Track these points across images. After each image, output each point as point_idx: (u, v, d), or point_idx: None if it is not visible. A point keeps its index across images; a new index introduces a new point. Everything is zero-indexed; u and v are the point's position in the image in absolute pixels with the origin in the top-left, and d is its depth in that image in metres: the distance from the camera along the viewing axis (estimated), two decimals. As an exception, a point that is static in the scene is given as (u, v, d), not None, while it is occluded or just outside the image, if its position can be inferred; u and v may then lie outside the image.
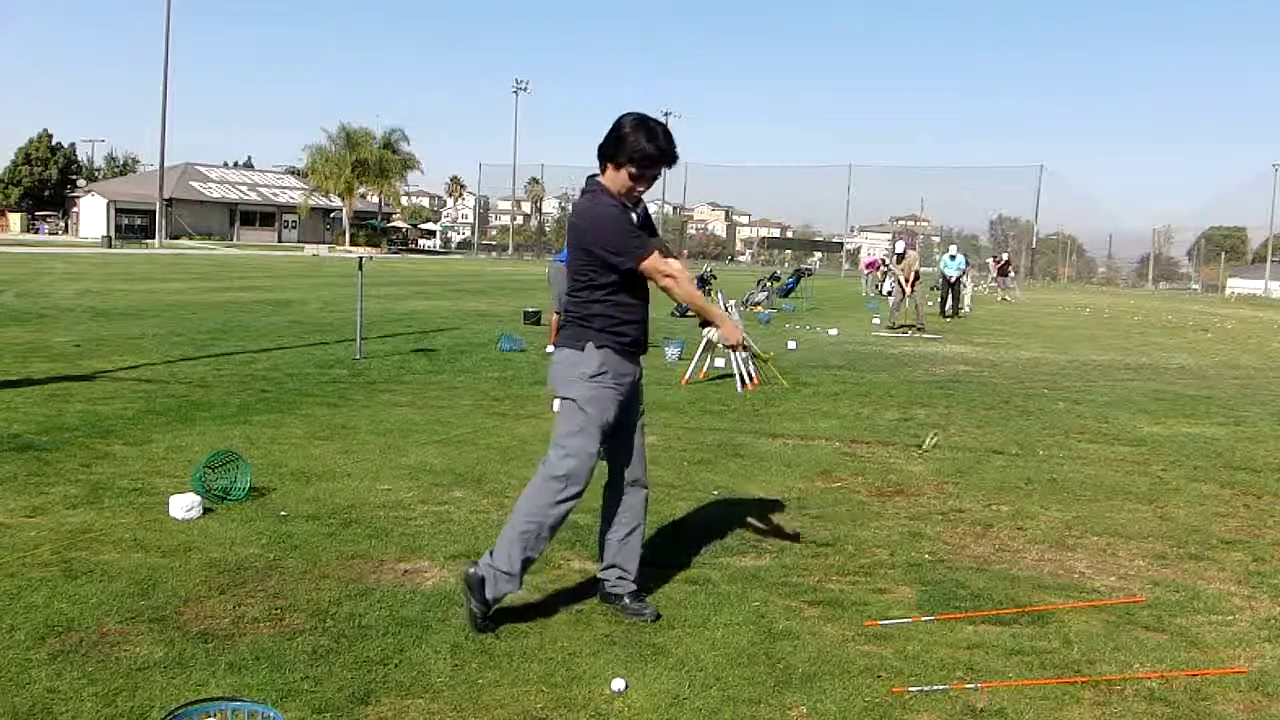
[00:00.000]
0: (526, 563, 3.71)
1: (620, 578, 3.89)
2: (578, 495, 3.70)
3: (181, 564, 4.21)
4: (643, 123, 3.63)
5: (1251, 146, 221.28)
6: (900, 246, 20.68)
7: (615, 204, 3.68)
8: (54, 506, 4.95)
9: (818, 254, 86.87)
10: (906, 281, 19.22)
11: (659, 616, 3.80)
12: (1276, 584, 4.58)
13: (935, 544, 4.98)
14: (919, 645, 3.68)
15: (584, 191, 3.77)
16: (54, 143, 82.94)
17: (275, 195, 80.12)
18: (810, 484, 6.12)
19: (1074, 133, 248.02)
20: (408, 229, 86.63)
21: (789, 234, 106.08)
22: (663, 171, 3.72)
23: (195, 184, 75.35)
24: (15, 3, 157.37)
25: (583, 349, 3.69)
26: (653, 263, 3.65)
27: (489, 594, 3.63)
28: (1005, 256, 43.38)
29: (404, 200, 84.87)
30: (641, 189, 3.70)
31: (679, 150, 3.69)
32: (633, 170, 3.63)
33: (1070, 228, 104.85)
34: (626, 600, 3.85)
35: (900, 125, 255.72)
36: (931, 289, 27.61)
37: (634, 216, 3.72)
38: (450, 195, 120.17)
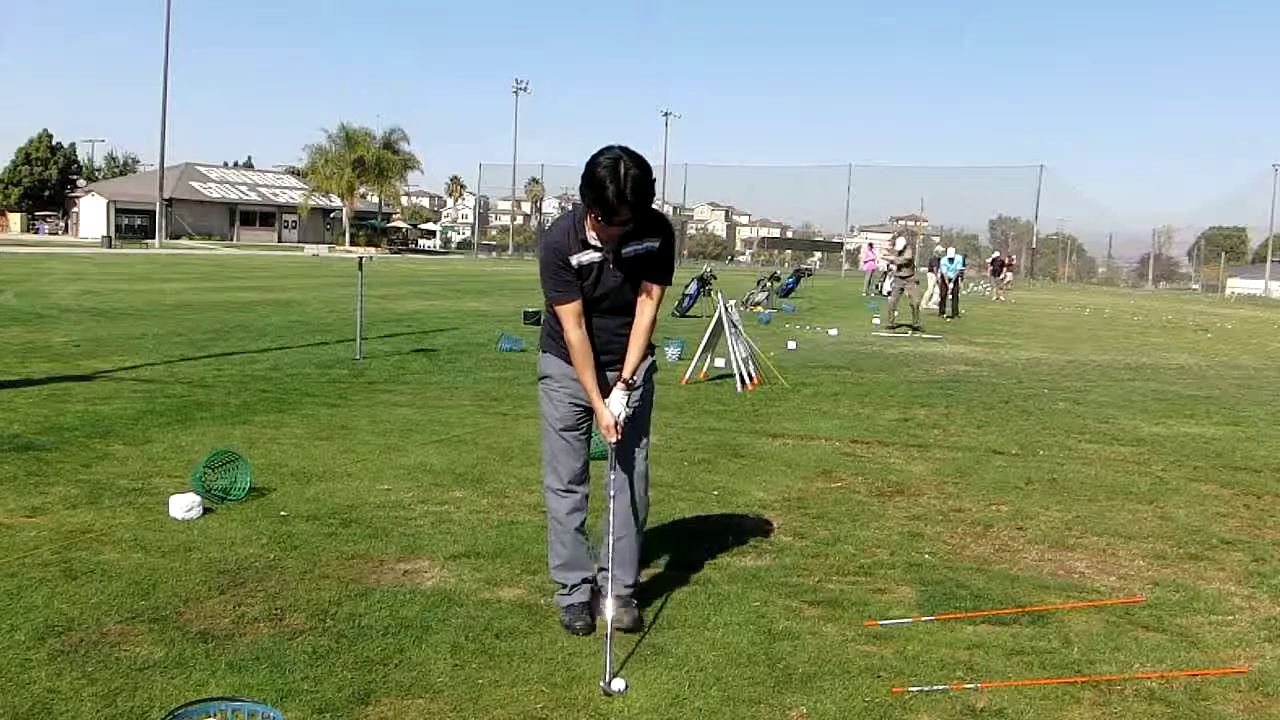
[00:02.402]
0: (562, 571, 3.83)
1: (607, 579, 3.87)
2: (560, 491, 3.80)
3: (181, 564, 4.21)
4: (603, 167, 3.36)
5: (1251, 147, 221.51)
6: (900, 244, 20.79)
7: (563, 239, 3.58)
8: (54, 506, 4.95)
9: (818, 254, 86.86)
10: (893, 265, 19.46)
11: (640, 623, 3.74)
12: (1276, 584, 4.58)
13: (935, 544, 4.98)
14: (919, 645, 3.68)
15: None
16: (54, 143, 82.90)
17: (275, 195, 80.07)
18: (810, 484, 6.12)
19: (1074, 133, 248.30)
20: (408, 229, 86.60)
21: (789, 234, 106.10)
22: (629, 214, 3.42)
23: (195, 184, 75.31)
24: (16, 3, 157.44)
25: (541, 353, 3.86)
26: (564, 312, 3.59)
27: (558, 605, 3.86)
28: (998, 255, 43.37)
29: (404, 200, 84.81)
30: (614, 230, 3.47)
31: (648, 192, 3.42)
32: (595, 214, 3.45)
33: (1070, 228, 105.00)
34: (610, 602, 3.78)
35: (900, 125, 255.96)
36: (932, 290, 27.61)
37: (573, 260, 3.53)
38: (450, 195, 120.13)
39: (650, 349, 3.85)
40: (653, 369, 3.90)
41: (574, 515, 3.81)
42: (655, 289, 3.68)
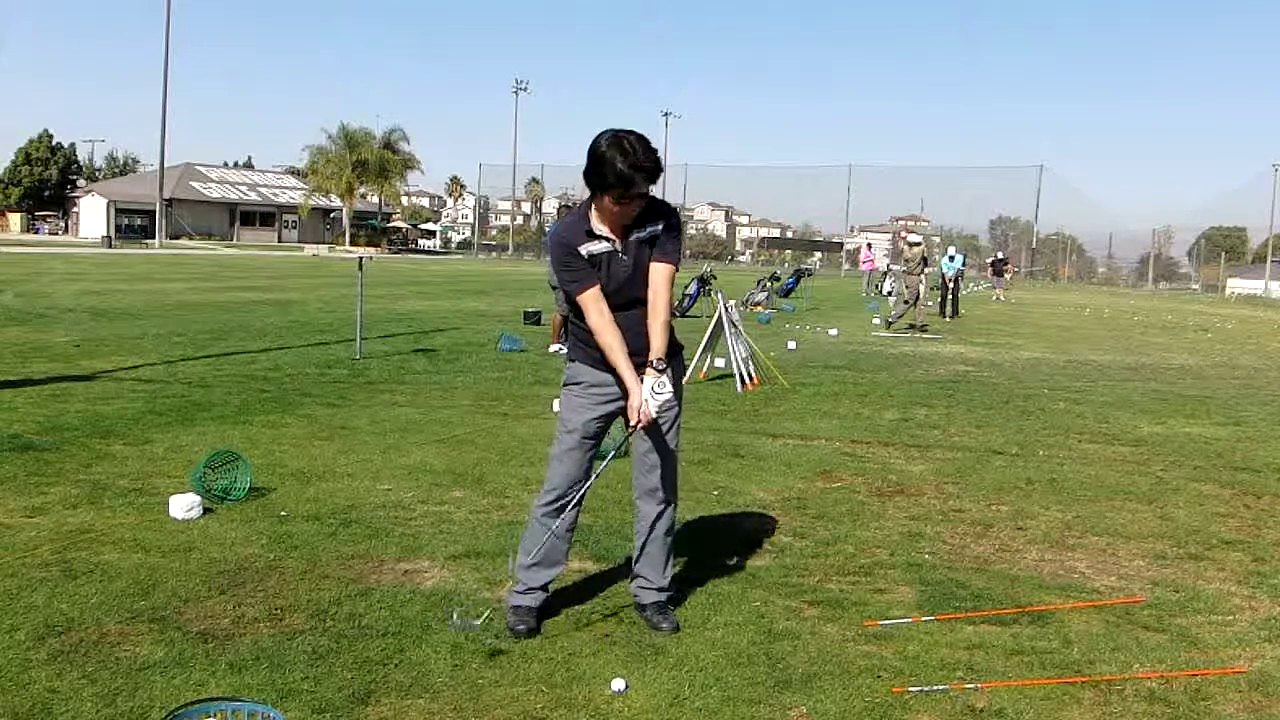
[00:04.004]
0: (532, 570, 3.75)
1: (642, 587, 3.87)
2: (557, 499, 3.73)
3: (181, 564, 4.21)
4: (616, 141, 3.44)
5: (1251, 147, 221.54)
6: (915, 238, 20.79)
7: (570, 231, 3.58)
8: (54, 506, 4.95)
9: (818, 254, 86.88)
10: (915, 263, 19.25)
11: (678, 628, 3.74)
12: (1276, 584, 4.58)
13: (935, 544, 4.98)
14: (919, 645, 3.68)
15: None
16: (54, 143, 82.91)
17: (275, 195, 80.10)
18: (810, 484, 6.12)
19: (1074, 133, 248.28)
20: (408, 229, 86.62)
21: (789, 234, 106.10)
22: (655, 166, 3.47)
23: (195, 184, 75.34)
24: (17, 3, 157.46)
25: (569, 363, 3.83)
26: (584, 300, 3.57)
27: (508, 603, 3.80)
28: (999, 255, 43.45)
29: (404, 200, 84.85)
30: (632, 209, 3.51)
31: (660, 160, 3.49)
32: (626, 187, 3.44)
33: (1070, 228, 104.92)
34: (648, 610, 3.83)
35: (900, 125, 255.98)
36: (933, 289, 27.63)
37: (582, 250, 3.54)
38: (450, 195, 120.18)
39: (678, 347, 3.79)
40: (680, 369, 3.83)
41: (562, 521, 3.77)
42: (666, 269, 3.62)
